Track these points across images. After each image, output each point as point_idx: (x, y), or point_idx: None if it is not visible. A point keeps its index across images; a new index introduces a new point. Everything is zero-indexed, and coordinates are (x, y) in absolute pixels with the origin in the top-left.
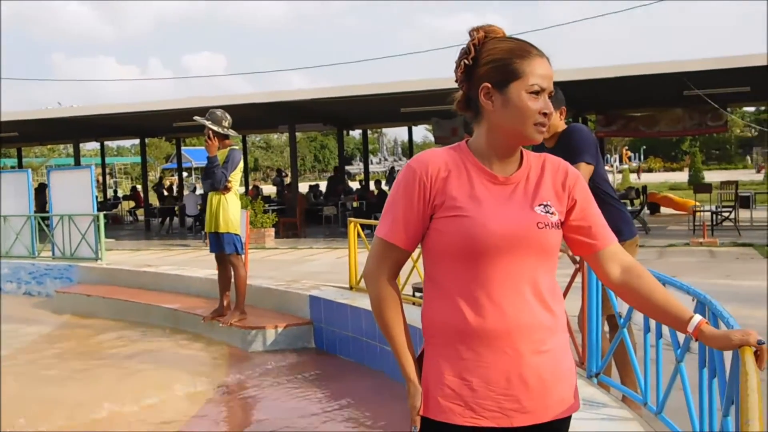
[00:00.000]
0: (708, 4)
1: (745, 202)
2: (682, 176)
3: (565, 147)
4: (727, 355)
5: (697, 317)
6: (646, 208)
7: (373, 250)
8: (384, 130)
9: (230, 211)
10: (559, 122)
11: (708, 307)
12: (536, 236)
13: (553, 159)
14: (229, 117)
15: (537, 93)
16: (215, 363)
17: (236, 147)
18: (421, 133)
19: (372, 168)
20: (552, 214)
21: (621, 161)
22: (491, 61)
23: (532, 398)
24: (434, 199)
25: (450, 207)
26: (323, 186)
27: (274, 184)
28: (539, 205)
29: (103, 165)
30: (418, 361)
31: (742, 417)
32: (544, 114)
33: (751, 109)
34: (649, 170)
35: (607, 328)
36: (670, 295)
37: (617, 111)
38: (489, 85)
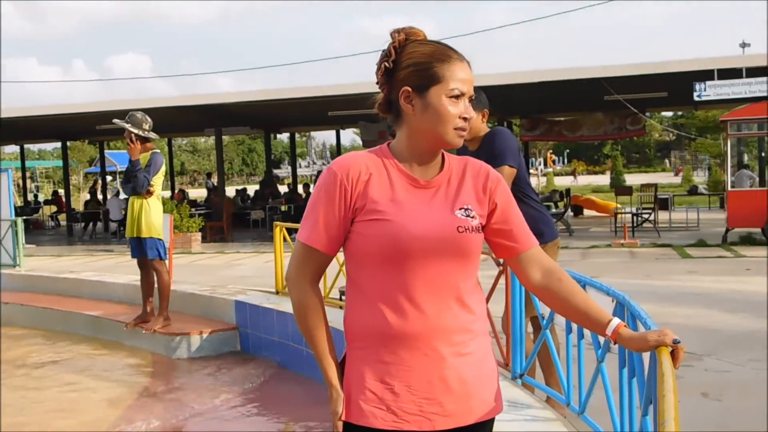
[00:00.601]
0: (632, 10)
1: (664, 204)
2: (604, 179)
3: (488, 150)
4: (646, 356)
5: (616, 320)
6: (569, 210)
7: (294, 255)
8: (312, 133)
9: (152, 215)
10: (481, 125)
11: (627, 308)
12: (457, 240)
13: (475, 162)
14: (149, 120)
15: (457, 97)
16: (138, 370)
17: (158, 150)
18: (350, 136)
19: (300, 171)
20: (472, 218)
21: (546, 165)
22: (411, 65)
23: (454, 401)
24: (355, 203)
25: (371, 210)
26: (251, 190)
27: (207, 188)
28: (460, 209)
29: (23, 169)
30: (341, 366)
31: (659, 417)
32: (464, 118)
33: (669, 114)
34: (573, 173)
35: (531, 329)
36: (589, 298)
37: (541, 115)
38: (409, 89)
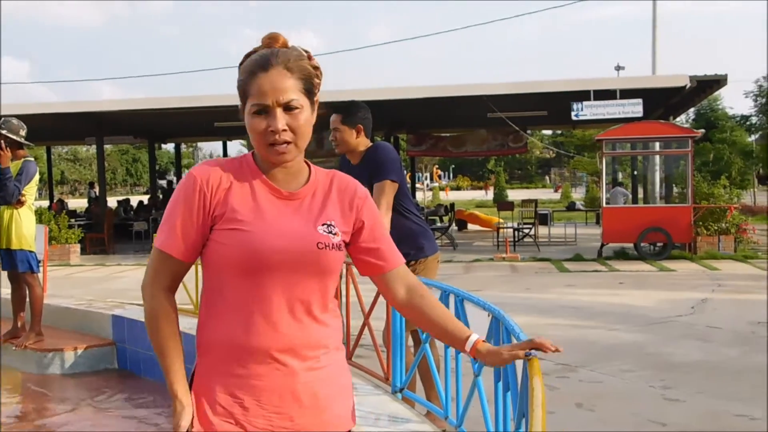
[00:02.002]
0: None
1: (543, 219)
2: (487, 194)
3: (371, 165)
4: (519, 370)
5: (474, 336)
6: (454, 224)
7: (150, 262)
8: (199, 144)
9: (24, 226)
10: (361, 140)
11: (501, 322)
12: (315, 256)
13: (342, 177)
14: (25, 127)
15: (260, 113)
16: (7, 389)
17: (31, 158)
18: (237, 147)
19: None
20: (334, 234)
21: (432, 179)
22: (237, 83)
23: (306, 415)
24: (214, 210)
25: (230, 219)
26: (135, 200)
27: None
28: (322, 225)
29: None
30: (191, 378)
31: (529, 429)
32: (275, 131)
33: (549, 132)
34: (458, 188)
35: (411, 342)
36: (449, 314)
37: (427, 131)
38: (240, 105)
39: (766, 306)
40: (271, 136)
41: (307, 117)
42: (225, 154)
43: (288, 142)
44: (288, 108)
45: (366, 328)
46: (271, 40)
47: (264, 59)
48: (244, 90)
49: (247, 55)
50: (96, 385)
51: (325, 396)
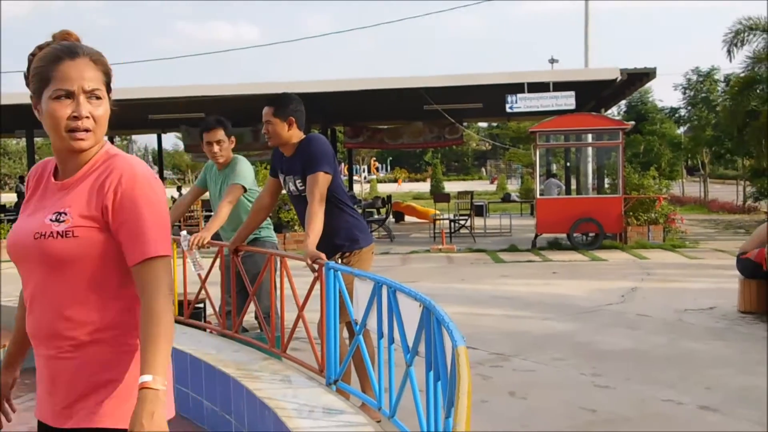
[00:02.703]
0: (455, 24)
1: (479, 211)
2: (425, 186)
3: (304, 157)
4: (450, 359)
5: (146, 377)
6: (391, 216)
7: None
8: (134, 137)
9: None
10: (293, 132)
11: (432, 312)
12: (34, 247)
13: (115, 163)
14: None
15: (63, 97)
16: None
17: None
18: (172, 140)
19: None
20: (62, 222)
21: (369, 172)
22: (33, 70)
23: (49, 402)
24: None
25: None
26: None
27: (17, 192)
28: (55, 213)
29: None
30: None
31: (454, 419)
32: (77, 117)
33: (485, 124)
34: (395, 180)
35: (346, 334)
36: (145, 341)
37: (364, 123)
38: (33, 96)
39: (693, 294)
40: (74, 122)
41: (106, 109)
42: (160, 147)
43: (88, 130)
44: (91, 97)
45: (300, 320)
46: (66, 35)
47: (71, 48)
48: (44, 76)
49: (40, 48)
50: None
51: (70, 386)
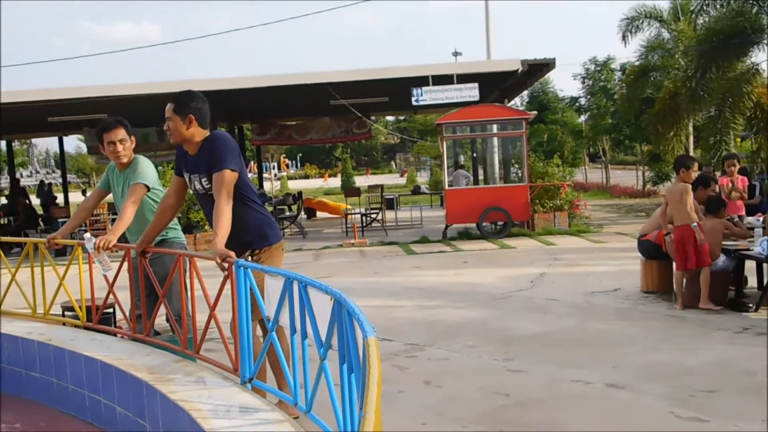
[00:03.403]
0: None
1: (390, 204)
2: (336, 181)
3: (208, 155)
4: (362, 350)
5: None
6: (303, 212)
7: None
8: (34, 140)
9: None
10: (195, 130)
11: (343, 306)
12: None
13: None
14: None
15: None
16: None
17: None
18: (74, 143)
19: (24, 182)
20: None
21: (279, 169)
22: None
23: None
24: None
25: None
26: None
27: None
28: None
29: None
30: None
31: (363, 408)
32: None
33: (392, 118)
34: (306, 177)
35: (260, 332)
36: None
37: (271, 120)
38: None
39: (598, 277)
40: None
41: None
42: (62, 150)
43: None
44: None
45: (212, 320)
46: None
47: None
48: None
49: None
50: None
51: None
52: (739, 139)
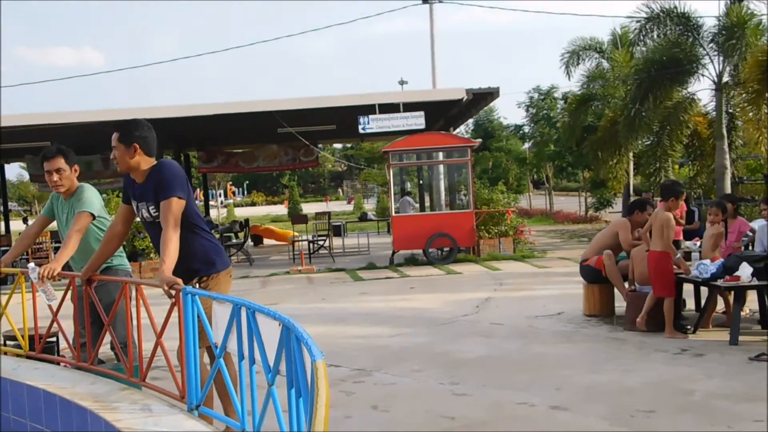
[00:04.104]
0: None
1: (337, 231)
2: (283, 209)
3: (156, 183)
4: (310, 374)
5: None
6: (249, 240)
7: None
8: None
9: None
10: (141, 159)
11: (291, 330)
12: None
13: None
14: None
15: None
16: None
17: None
18: (15, 170)
19: None
20: None
21: (226, 196)
22: None
23: None
24: None
25: None
26: None
27: None
28: None
29: None
30: None
31: (312, 428)
32: None
33: (339, 146)
34: (253, 204)
35: (207, 359)
36: None
37: (218, 147)
38: None
39: (542, 301)
40: None
41: None
42: (3, 177)
43: None
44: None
45: (159, 348)
46: None
47: None
48: None
49: None
50: None
51: None
52: (677, 166)
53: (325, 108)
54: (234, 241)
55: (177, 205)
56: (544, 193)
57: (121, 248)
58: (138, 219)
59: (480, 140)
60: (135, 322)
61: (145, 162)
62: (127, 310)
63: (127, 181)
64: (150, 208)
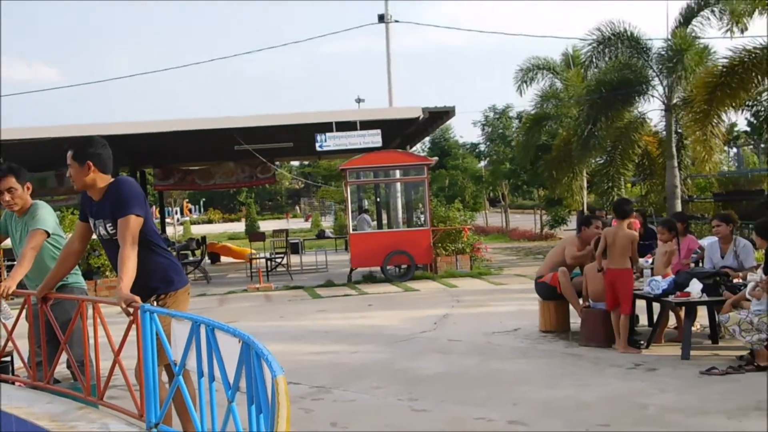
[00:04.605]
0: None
1: (295, 248)
2: (240, 226)
3: (113, 200)
4: (270, 390)
5: None
6: (206, 257)
7: None
8: None
9: None
10: (96, 176)
11: (252, 348)
12: None
13: None
14: None
15: None
16: None
17: None
18: None
19: None
20: None
21: (182, 213)
22: None
23: None
24: None
25: None
26: None
27: None
28: None
29: None
30: None
31: None
32: None
33: (297, 163)
34: (209, 221)
35: (166, 378)
36: None
37: (174, 165)
38: None
39: (499, 317)
40: None
41: None
42: None
43: None
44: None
45: (117, 366)
46: None
47: None
48: None
49: None
50: None
51: None
52: (629, 185)
53: (282, 125)
54: (191, 258)
55: (135, 222)
56: (500, 211)
57: (77, 266)
58: (95, 237)
59: (436, 158)
60: (92, 340)
61: (101, 179)
62: (84, 328)
63: (84, 199)
64: (107, 225)
